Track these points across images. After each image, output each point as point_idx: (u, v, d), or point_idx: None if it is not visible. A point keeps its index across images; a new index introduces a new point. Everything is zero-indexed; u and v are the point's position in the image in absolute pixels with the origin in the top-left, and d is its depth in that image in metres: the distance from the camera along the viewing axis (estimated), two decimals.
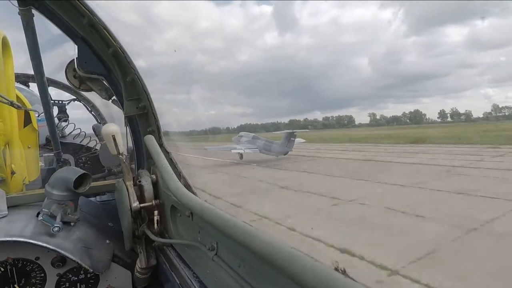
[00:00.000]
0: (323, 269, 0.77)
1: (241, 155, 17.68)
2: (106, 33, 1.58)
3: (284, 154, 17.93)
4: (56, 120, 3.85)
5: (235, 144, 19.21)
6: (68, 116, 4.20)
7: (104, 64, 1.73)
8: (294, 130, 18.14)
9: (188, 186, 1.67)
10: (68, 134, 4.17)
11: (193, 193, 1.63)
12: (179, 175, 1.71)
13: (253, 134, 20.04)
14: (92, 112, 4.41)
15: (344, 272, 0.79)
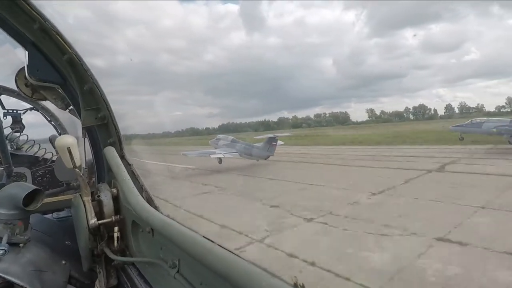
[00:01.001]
0: (281, 286, 0.80)
1: (220, 160, 17.54)
2: (60, 39, 1.52)
3: (265, 158, 18.04)
4: (9, 131, 3.60)
5: (213, 148, 19.02)
6: (23, 127, 3.91)
7: (59, 72, 1.66)
8: (275, 135, 18.37)
9: (150, 200, 1.63)
10: (22, 146, 3.89)
11: (155, 207, 1.60)
12: (141, 188, 1.67)
13: (231, 137, 19.89)
14: (52, 122, 4.15)
15: (302, 287, 0.84)
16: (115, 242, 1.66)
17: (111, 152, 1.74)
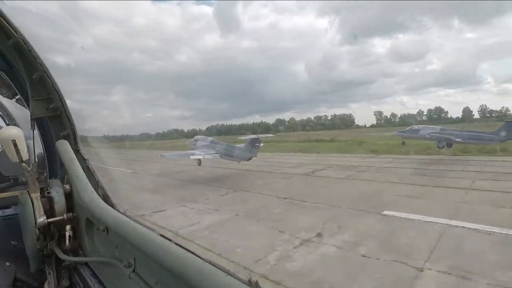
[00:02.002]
0: (235, 284, 0.84)
1: (199, 161, 17.28)
2: (4, 21, 1.43)
3: (248, 160, 18.02)
4: None
5: (192, 150, 18.70)
6: None
7: (4, 57, 1.56)
8: (259, 135, 18.39)
9: (106, 197, 1.58)
10: None
11: (112, 204, 1.56)
12: (97, 184, 1.61)
13: (211, 138, 19.71)
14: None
15: (256, 284, 0.88)
16: (67, 241, 1.59)
17: (64, 146, 1.66)
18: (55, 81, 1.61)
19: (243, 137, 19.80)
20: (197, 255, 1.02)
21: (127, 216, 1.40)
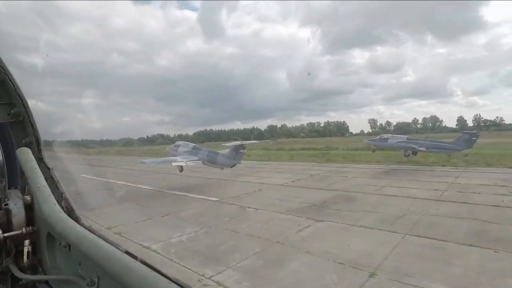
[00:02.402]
0: None
1: (181, 168, 16.92)
2: None
3: (231, 167, 17.87)
4: None
5: (174, 156, 18.27)
6: None
7: None
8: (243, 142, 18.33)
9: (70, 210, 1.49)
10: None
11: (76, 218, 1.47)
12: (60, 196, 1.52)
13: (193, 144, 19.39)
14: None
15: None
16: (25, 257, 1.47)
17: (25, 154, 1.56)
18: (17, 85, 1.51)
19: (228, 144, 19.62)
20: (162, 274, 1.00)
21: (91, 231, 1.34)
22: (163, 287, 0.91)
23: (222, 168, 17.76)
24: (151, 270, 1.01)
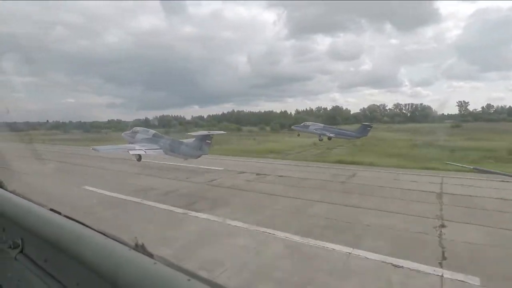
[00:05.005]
0: (120, 248, 0.89)
1: (139, 157, 16.10)
2: None
3: (196, 158, 17.46)
4: None
5: (131, 143, 17.29)
6: None
7: None
8: (210, 132, 17.96)
9: None
10: None
11: None
12: None
13: (153, 131, 18.50)
14: None
15: (142, 246, 0.92)
16: None
17: None
18: None
19: (194, 133, 19.05)
20: (81, 223, 1.04)
21: (16, 194, 1.38)
22: (82, 234, 0.96)
23: (185, 159, 17.28)
24: (71, 220, 1.06)
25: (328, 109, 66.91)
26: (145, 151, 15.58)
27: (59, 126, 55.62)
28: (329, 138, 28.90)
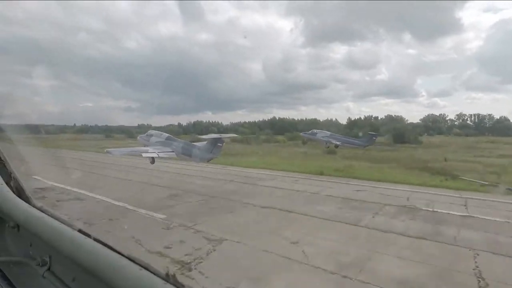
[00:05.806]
0: (149, 277, 0.90)
1: (153, 160, 16.56)
2: None
3: (208, 161, 17.77)
4: None
5: (145, 146, 17.79)
6: None
7: None
8: (221, 135, 18.24)
9: (20, 190, 1.51)
10: None
11: (26, 198, 1.50)
12: (9, 176, 1.53)
13: (166, 134, 18.97)
14: None
15: (174, 277, 0.93)
16: None
17: None
18: None
19: (205, 136, 19.39)
20: (114, 250, 1.06)
21: (43, 210, 1.38)
22: (112, 261, 0.98)
23: (198, 162, 17.62)
24: (103, 246, 1.07)
25: (379, 118, 58.61)
26: (157, 154, 16.04)
27: (86, 130, 54.98)
28: (336, 146, 28.96)
